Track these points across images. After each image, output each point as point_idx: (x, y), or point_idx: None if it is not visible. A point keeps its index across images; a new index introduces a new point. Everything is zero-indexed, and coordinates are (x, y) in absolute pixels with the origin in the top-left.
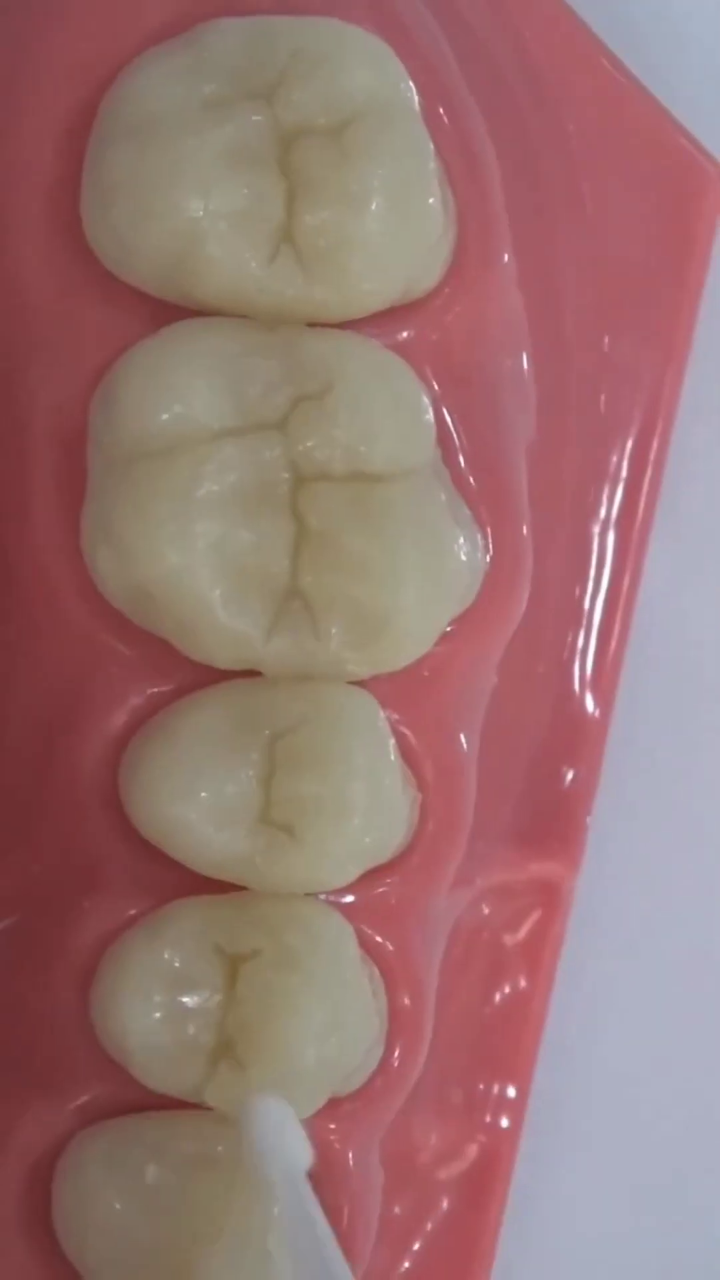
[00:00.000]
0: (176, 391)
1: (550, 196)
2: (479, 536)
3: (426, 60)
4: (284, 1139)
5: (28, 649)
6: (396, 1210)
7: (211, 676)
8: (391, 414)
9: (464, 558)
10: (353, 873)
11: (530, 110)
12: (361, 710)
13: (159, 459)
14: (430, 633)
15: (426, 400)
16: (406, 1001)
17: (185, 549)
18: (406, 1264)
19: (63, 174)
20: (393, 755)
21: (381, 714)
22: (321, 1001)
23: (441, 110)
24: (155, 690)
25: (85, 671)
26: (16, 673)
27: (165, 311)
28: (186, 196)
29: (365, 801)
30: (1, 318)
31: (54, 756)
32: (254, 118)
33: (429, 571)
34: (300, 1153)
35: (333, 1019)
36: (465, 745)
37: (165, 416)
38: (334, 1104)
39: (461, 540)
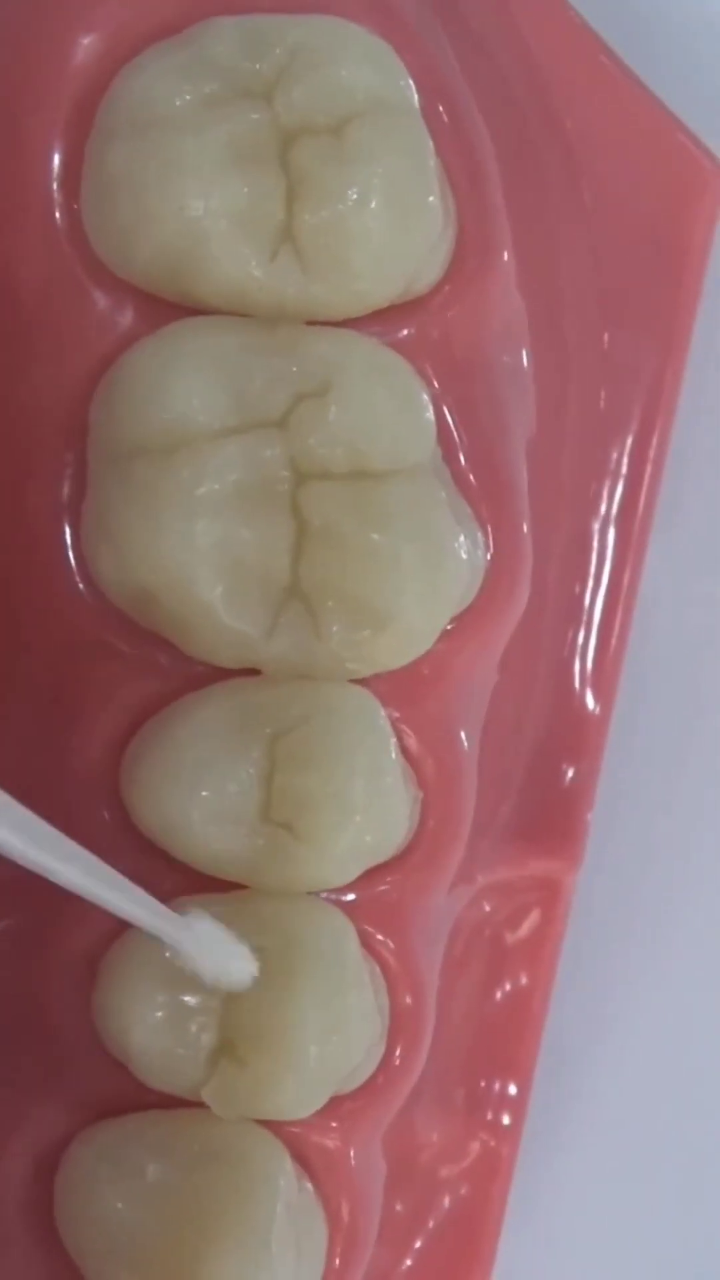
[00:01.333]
0: (177, 390)
1: (549, 194)
2: (479, 534)
3: (426, 58)
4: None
5: (28, 648)
6: (398, 1208)
7: (212, 675)
8: (392, 412)
9: (464, 556)
10: (354, 871)
11: (530, 107)
12: (362, 709)
13: (160, 458)
14: (431, 631)
15: (426, 398)
16: (408, 1000)
17: (186, 548)
18: (408, 1262)
19: (63, 172)
20: (394, 753)
21: (382, 712)
22: (323, 1000)
23: (441, 108)
24: (156, 689)
25: (85, 670)
26: (16, 672)
27: (165, 310)
28: (187, 195)
29: (366, 800)
30: (2, 318)
31: (54, 755)
32: (253, 116)
33: (429, 570)
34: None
35: (334, 1017)
36: (466, 743)
37: (166, 415)
38: (335, 1102)
39: (462, 538)
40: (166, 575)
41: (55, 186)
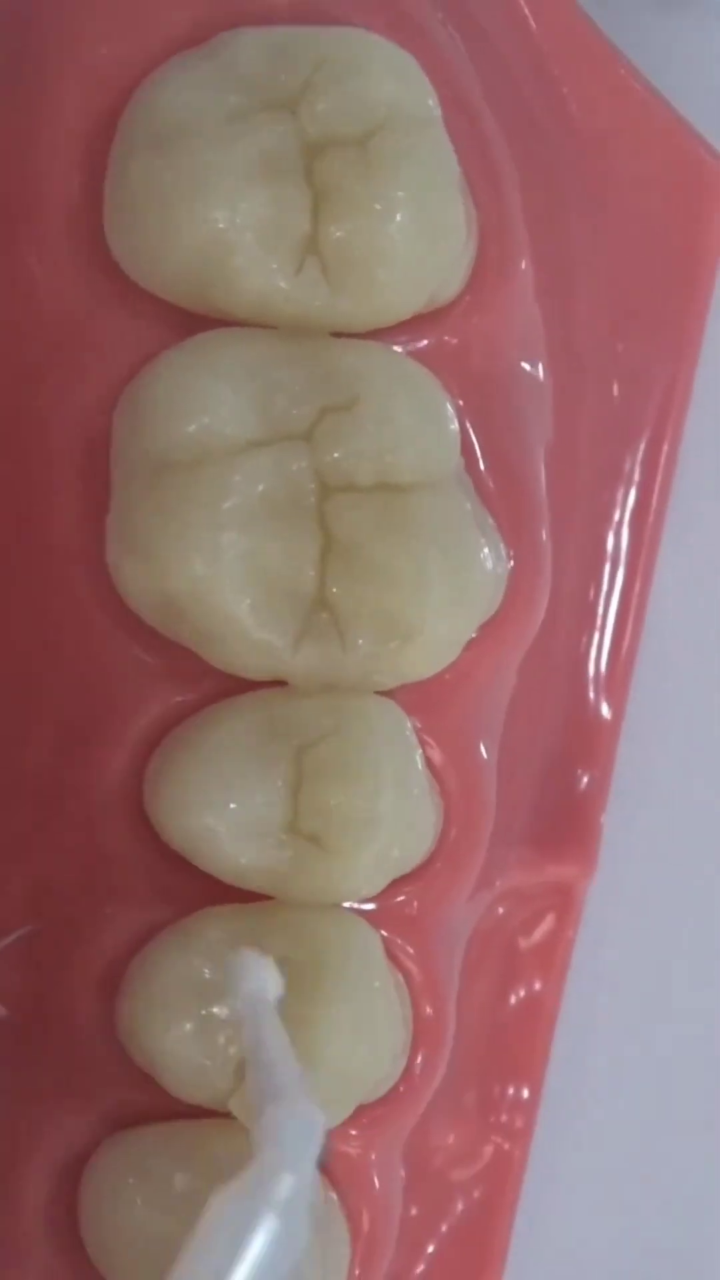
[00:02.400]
0: (202, 402)
1: (564, 202)
2: (501, 544)
3: (446, 69)
4: (254, 971)
5: (52, 659)
6: (413, 1212)
7: (237, 686)
8: (418, 424)
9: (489, 567)
10: (380, 883)
11: (545, 116)
12: (389, 720)
13: (185, 470)
14: (456, 643)
15: (451, 410)
16: (429, 1009)
17: (212, 560)
18: (421, 1266)
19: (86, 185)
20: (420, 765)
21: (409, 724)
22: (350, 1010)
23: (462, 119)
24: (181, 700)
25: (110, 681)
26: (41, 682)
27: (190, 322)
28: (211, 208)
29: (394, 812)
30: (25, 329)
31: (79, 766)
32: (278, 128)
33: (455, 581)
34: (269, 980)
35: (361, 1028)
36: (485, 753)
37: (191, 427)
38: (358, 1111)
39: (486, 550)
40: (192, 587)
41: (78, 199)
